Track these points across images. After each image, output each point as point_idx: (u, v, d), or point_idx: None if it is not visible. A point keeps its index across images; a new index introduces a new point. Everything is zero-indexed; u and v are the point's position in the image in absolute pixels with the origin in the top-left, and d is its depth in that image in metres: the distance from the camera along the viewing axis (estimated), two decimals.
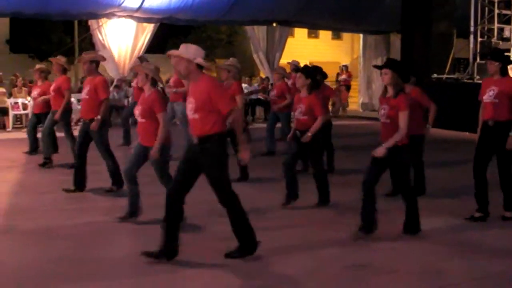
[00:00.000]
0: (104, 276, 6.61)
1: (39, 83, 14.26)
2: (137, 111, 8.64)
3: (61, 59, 13.08)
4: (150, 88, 8.51)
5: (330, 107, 13.78)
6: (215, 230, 8.22)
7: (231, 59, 17.77)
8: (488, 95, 8.77)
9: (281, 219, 9.05)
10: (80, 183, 10.62)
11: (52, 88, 13.16)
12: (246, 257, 7.05)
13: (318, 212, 9.47)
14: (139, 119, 8.59)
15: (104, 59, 11.24)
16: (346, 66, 31.75)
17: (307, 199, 9.83)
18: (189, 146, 7.27)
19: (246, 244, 7.11)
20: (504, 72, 8.79)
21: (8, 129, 20.82)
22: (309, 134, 9.47)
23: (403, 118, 7.71)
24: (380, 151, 7.73)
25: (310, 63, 39.51)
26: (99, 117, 10.39)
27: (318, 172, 9.83)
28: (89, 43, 28.26)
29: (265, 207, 9.59)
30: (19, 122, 21.97)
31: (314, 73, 9.98)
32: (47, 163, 13.16)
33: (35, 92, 14.24)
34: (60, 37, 34.10)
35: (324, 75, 12.50)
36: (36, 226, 8.59)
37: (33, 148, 14.54)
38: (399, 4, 24.40)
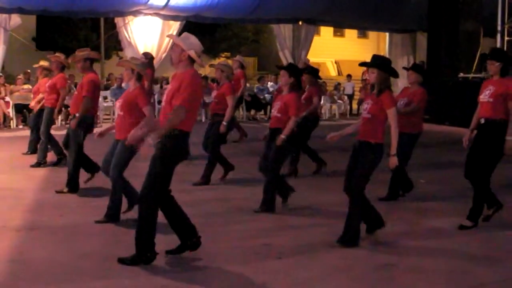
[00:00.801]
0: (132, 273, 6.63)
1: (40, 79, 14.29)
2: (118, 103, 8.72)
3: (60, 56, 12.99)
4: (135, 83, 8.57)
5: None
6: (233, 229, 8.25)
7: (237, 56, 17.95)
8: (484, 94, 8.59)
9: (304, 218, 9.07)
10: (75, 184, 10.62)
11: (47, 84, 13.07)
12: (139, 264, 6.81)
13: (339, 211, 9.39)
14: (118, 112, 8.65)
15: (98, 56, 11.15)
16: None
17: (328, 197, 9.83)
18: None
19: (142, 252, 6.82)
20: (505, 73, 8.57)
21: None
22: (282, 136, 9.15)
23: (392, 116, 7.49)
24: (393, 162, 7.54)
25: (335, 62, 39.61)
26: (77, 114, 10.35)
27: (271, 179, 9.36)
28: (115, 40, 28.35)
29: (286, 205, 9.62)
30: None
31: (298, 73, 9.76)
32: (41, 163, 13.05)
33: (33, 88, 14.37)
34: (86, 35, 34.20)
35: (318, 77, 12.41)
36: (63, 222, 8.66)
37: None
38: (426, 2, 24.31)
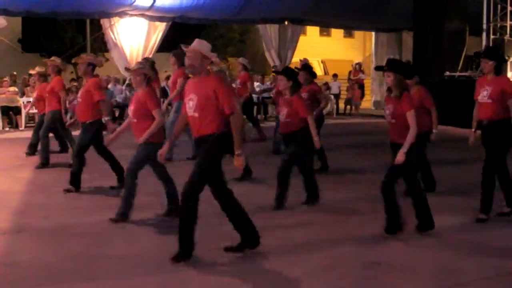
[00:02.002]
0: (119, 274, 6.63)
1: (38, 85, 14.30)
2: (130, 111, 8.78)
3: (56, 60, 13.10)
4: (144, 87, 8.63)
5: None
6: (226, 229, 8.23)
7: (241, 58, 18.00)
8: (482, 95, 8.70)
9: (293, 217, 9.03)
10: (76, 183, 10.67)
11: (47, 89, 13.22)
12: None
13: (330, 210, 9.45)
14: (132, 119, 8.71)
15: (102, 64, 11.24)
16: (359, 64, 31.66)
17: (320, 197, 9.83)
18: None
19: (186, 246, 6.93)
20: (499, 71, 8.71)
21: (21, 128, 20.91)
22: (316, 139, 9.38)
23: (411, 118, 7.63)
24: (400, 158, 7.62)
25: (322, 61, 39.62)
26: (107, 118, 10.56)
27: (306, 171, 9.69)
28: (101, 42, 28.29)
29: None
30: (32, 121, 22.04)
31: (295, 75, 9.84)
32: (44, 165, 13.07)
33: (33, 95, 14.33)
34: (72, 36, 34.13)
35: (313, 74, 12.39)
36: (49, 224, 8.62)
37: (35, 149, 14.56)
38: (411, 2, 24.36)
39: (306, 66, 12.38)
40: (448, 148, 14.27)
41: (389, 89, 7.98)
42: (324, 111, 25.17)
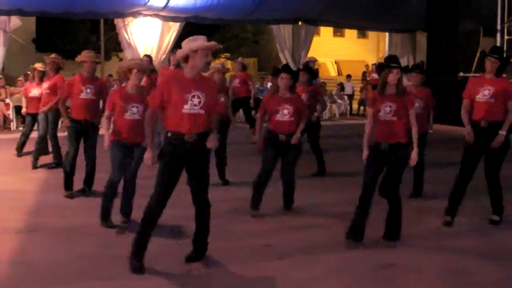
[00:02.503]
0: (130, 275, 6.63)
1: (36, 81, 14.13)
2: (134, 108, 8.48)
3: (57, 57, 13.00)
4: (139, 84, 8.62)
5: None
6: (235, 229, 8.26)
7: (239, 58, 18.26)
8: (482, 94, 8.53)
9: (304, 219, 9.05)
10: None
11: (46, 86, 13.09)
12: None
13: (339, 212, 9.39)
14: (136, 117, 8.40)
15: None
16: (375, 65, 31.58)
17: (327, 199, 9.81)
18: (177, 145, 6.74)
19: (203, 248, 7.04)
20: (501, 72, 8.62)
21: (34, 128, 20.91)
22: (299, 135, 9.19)
23: (413, 116, 7.66)
24: (415, 157, 7.60)
25: (335, 62, 39.55)
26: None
27: (290, 179, 9.42)
28: (115, 42, 28.30)
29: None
30: None
31: (297, 73, 9.82)
32: (58, 165, 12.90)
33: (35, 91, 13.94)
34: (85, 36, 34.16)
35: (314, 75, 12.38)
36: (63, 224, 8.65)
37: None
38: (425, 2, 24.32)
39: (306, 67, 12.37)
40: (450, 149, 14.20)
41: (382, 86, 7.78)
42: (338, 112, 25.25)
